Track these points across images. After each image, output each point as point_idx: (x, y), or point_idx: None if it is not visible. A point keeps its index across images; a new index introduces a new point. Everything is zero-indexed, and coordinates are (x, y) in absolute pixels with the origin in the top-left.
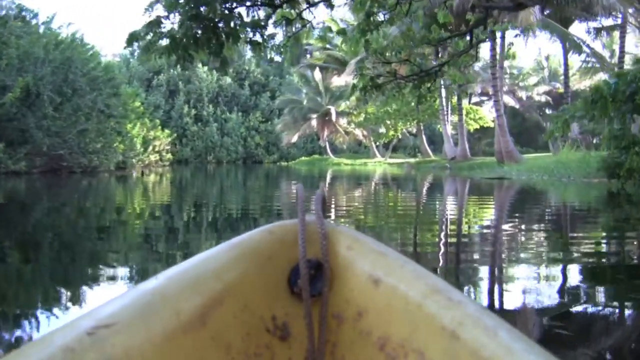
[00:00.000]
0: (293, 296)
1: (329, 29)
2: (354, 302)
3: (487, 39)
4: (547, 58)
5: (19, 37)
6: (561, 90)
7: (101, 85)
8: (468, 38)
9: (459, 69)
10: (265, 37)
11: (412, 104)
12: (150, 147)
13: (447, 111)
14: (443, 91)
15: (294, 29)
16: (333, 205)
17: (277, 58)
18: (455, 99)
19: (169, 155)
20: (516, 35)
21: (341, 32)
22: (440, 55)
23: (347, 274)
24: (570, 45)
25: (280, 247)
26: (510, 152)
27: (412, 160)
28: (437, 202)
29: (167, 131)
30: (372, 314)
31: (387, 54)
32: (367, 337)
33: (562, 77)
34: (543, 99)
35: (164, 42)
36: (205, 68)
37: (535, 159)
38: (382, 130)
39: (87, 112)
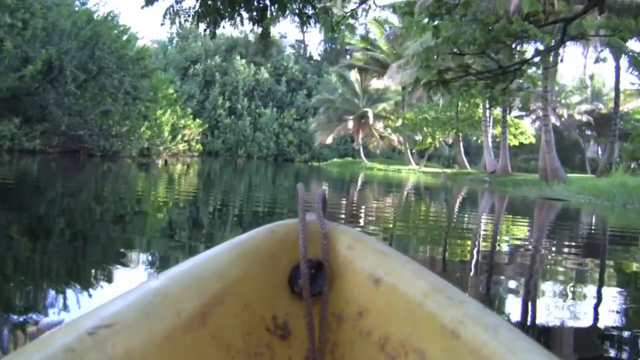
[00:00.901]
0: (294, 295)
1: (384, 21)
2: (354, 301)
3: (581, 38)
4: (591, 77)
5: (48, 8)
6: (604, 110)
7: (129, 65)
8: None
9: (543, 69)
10: (317, 9)
11: (452, 112)
12: (179, 136)
13: (490, 122)
14: (486, 100)
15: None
16: (364, 216)
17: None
18: (496, 110)
19: (199, 146)
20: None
21: (407, 12)
22: (516, 52)
23: (347, 273)
24: (632, 61)
25: (281, 247)
26: (556, 171)
27: (448, 170)
28: (499, 228)
29: (197, 120)
30: (372, 313)
31: (459, 44)
32: (368, 337)
33: (605, 98)
34: (584, 118)
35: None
36: (244, 61)
37: (583, 180)
38: (419, 137)
39: (113, 92)
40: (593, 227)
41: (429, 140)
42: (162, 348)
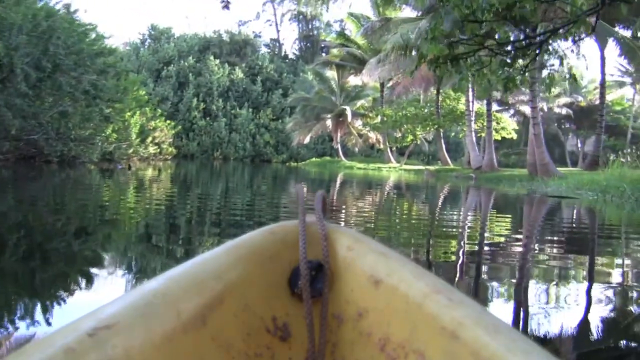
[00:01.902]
0: (293, 297)
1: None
2: (354, 302)
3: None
4: (569, 69)
5: None
6: (583, 103)
7: (87, 61)
8: None
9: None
10: None
11: (432, 108)
12: (150, 139)
13: (473, 116)
14: (470, 92)
15: None
16: (347, 218)
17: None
18: (478, 104)
19: (172, 149)
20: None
21: None
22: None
23: (347, 274)
24: (623, 48)
25: (281, 248)
26: (546, 165)
27: (431, 167)
28: (530, 244)
29: (170, 122)
30: (372, 314)
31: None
32: (368, 338)
33: (583, 90)
34: (564, 111)
35: None
36: (218, 61)
37: (577, 174)
38: (398, 134)
39: (70, 91)
40: None
41: (410, 137)
42: (161, 349)
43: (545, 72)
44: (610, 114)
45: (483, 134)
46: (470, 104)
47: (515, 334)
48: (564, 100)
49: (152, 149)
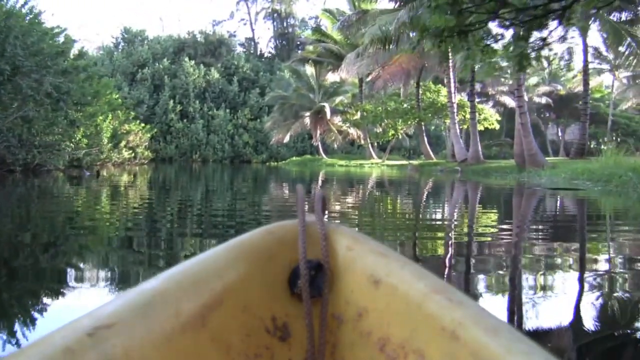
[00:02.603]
0: (293, 297)
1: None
2: (354, 302)
3: None
4: (547, 58)
5: None
6: (562, 91)
7: (47, 61)
8: None
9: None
10: None
11: (412, 101)
12: (123, 143)
13: (455, 108)
14: (452, 84)
15: None
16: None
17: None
18: (459, 96)
19: (147, 153)
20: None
21: None
22: None
23: (347, 274)
24: (611, 32)
25: (281, 248)
26: (534, 156)
27: (414, 162)
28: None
29: (144, 125)
30: (372, 314)
31: None
32: (367, 338)
33: (562, 79)
34: (543, 100)
35: None
36: (193, 62)
37: (568, 164)
38: (379, 129)
39: (31, 94)
40: None
41: (392, 132)
42: (161, 349)
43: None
44: (590, 102)
45: (465, 126)
46: (453, 95)
47: (516, 335)
48: (544, 89)
49: (126, 154)
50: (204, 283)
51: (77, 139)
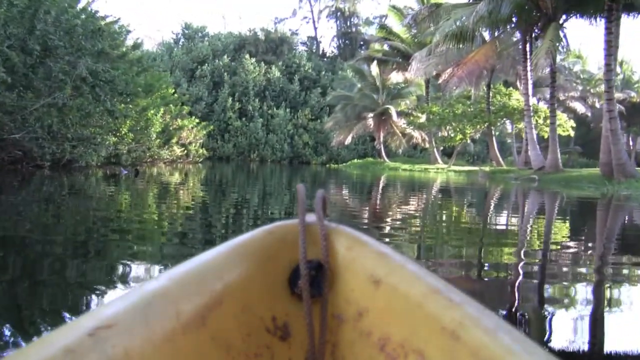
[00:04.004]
0: (293, 296)
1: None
2: (354, 302)
3: None
4: (620, 64)
5: None
6: (635, 99)
7: (82, 41)
8: None
9: None
10: None
11: (481, 104)
12: (175, 139)
13: (531, 111)
14: (529, 85)
15: None
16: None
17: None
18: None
19: (202, 151)
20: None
21: None
22: None
23: (347, 274)
24: None
25: (281, 248)
26: (623, 165)
27: (486, 168)
28: None
29: (197, 120)
30: (372, 314)
31: None
32: (368, 338)
33: (636, 85)
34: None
35: None
36: (253, 59)
37: None
38: (443, 133)
39: (62, 78)
40: None
41: (459, 136)
42: (161, 349)
43: None
44: None
45: (541, 132)
46: (530, 97)
47: (517, 335)
48: (616, 96)
49: (178, 151)
50: (204, 283)
51: (122, 132)
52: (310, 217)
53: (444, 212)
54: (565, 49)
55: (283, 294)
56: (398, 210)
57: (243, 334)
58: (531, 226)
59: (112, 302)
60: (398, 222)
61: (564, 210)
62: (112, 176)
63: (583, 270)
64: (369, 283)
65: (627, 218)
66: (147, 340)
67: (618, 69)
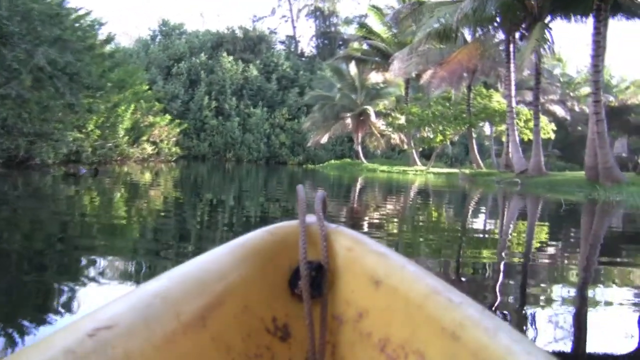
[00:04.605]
0: (293, 297)
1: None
2: (354, 303)
3: None
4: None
5: None
6: (614, 103)
7: (37, 26)
8: None
9: None
10: None
11: (461, 106)
12: (145, 137)
13: (514, 113)
14: (512, 87)
15: None
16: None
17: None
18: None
19: (176, 149)
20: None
21: None
22: None
23: (347, 275)
24: None
25: (281, 249)
26: (610, 169)
27: (466, 171)
28: None
29: (169, 117)
30: (372, 315)
31: None
32: (368, 338)
33: (614, 90)
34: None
35: None
36: (231, 58)
37: None
38: (424, 134)
39: (16, 68)
40: None
41: (440, 137)
42: (161, 350)
43: None
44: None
45: (521, 135)
46: (513, 99)
47: (516, 335)
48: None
49: (150, 149)
50: (204, 284)
51: (89, 129)
52: (311, 218)
53: (428, 219)
54: (551, 49)
55: (283, 295)
56: (377, 215)
57: (243, 335)
58: (548, 241)
59: (112, 302)
60: (374, 229)
61: (568, 217)
62: (70, 175)
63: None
64: (369, 284)
65: None
66: (148, 341)
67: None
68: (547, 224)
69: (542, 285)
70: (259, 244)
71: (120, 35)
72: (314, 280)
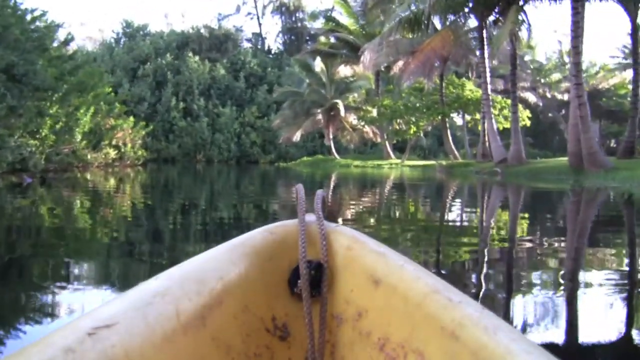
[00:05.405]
0: (293, 296)
1: None
2: (353, 302)
3: None
4: (569, 53)
5: None
6: (587, 88)
7: None
8: None
9: None
10: None
11: (433, 96)
12: (106, 141)
13: (490, 101)
14: (487, 74)
15: None
16: None
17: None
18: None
19: (141, 152)
20: None
21: None
22: None
23: (346, 274)
24: None
25: (281, 248)
26: (595, 155)
27: (443, 162)
28: None
29: (133, 119)
30: (372, 314)
31: None
32: (367, 338)
33: (585, 75)
34: (565, 97)
35: None
36: (197, 57)
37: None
38: (397, 127)
39: None
40: None
41: (413, 129)
42: (161, 349)
43: None
44: (614, 99)
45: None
46: (489, 86)
47: (516, 334)
48: (566, 85)
49: (113, 154)
50: (204, 283)
51: (43, 134)
52: (310, 217)
53: (415, 216)
54: (530, 31)
55: (283, 294)
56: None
57: (243, 334)
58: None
59: (111, 301)
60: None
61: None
62: (14, 185)
63: None
64: (369, 283)
65: None
66: (147, 340)
67: (567, 59)
68: (517, 210)
69: None
70: (258, 243)
71: (84, 40)
72: (314, 279)
